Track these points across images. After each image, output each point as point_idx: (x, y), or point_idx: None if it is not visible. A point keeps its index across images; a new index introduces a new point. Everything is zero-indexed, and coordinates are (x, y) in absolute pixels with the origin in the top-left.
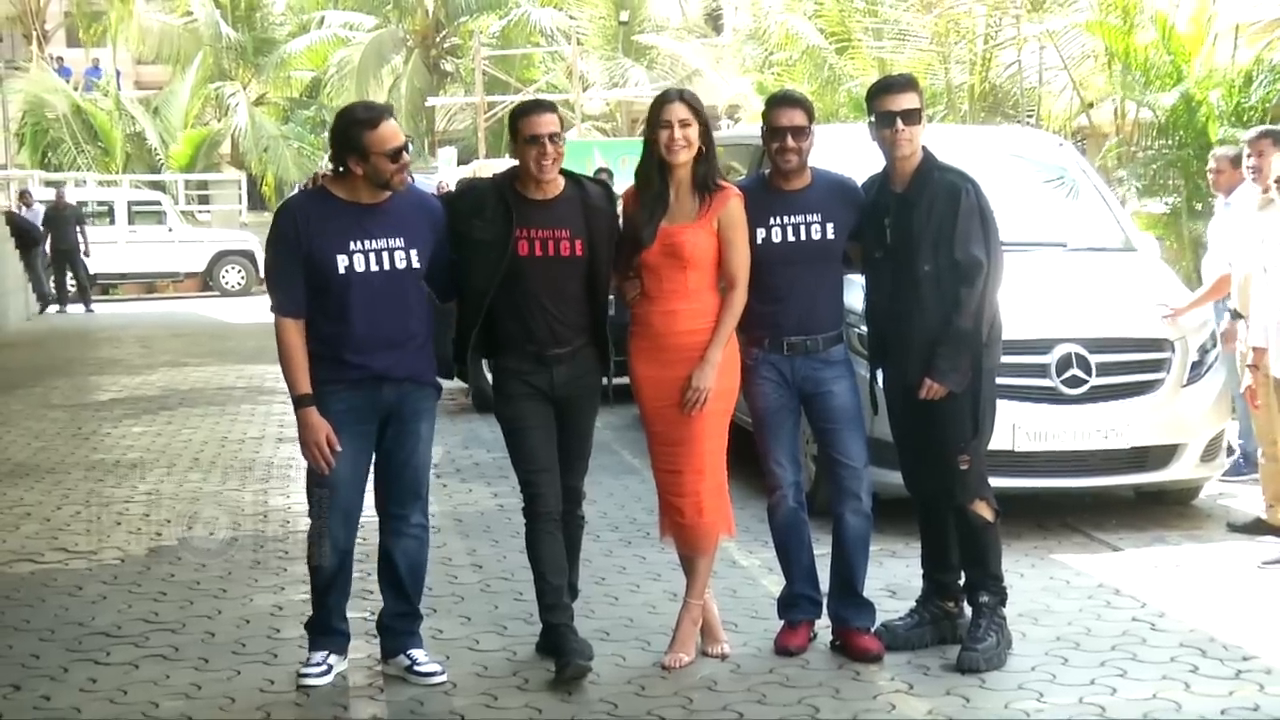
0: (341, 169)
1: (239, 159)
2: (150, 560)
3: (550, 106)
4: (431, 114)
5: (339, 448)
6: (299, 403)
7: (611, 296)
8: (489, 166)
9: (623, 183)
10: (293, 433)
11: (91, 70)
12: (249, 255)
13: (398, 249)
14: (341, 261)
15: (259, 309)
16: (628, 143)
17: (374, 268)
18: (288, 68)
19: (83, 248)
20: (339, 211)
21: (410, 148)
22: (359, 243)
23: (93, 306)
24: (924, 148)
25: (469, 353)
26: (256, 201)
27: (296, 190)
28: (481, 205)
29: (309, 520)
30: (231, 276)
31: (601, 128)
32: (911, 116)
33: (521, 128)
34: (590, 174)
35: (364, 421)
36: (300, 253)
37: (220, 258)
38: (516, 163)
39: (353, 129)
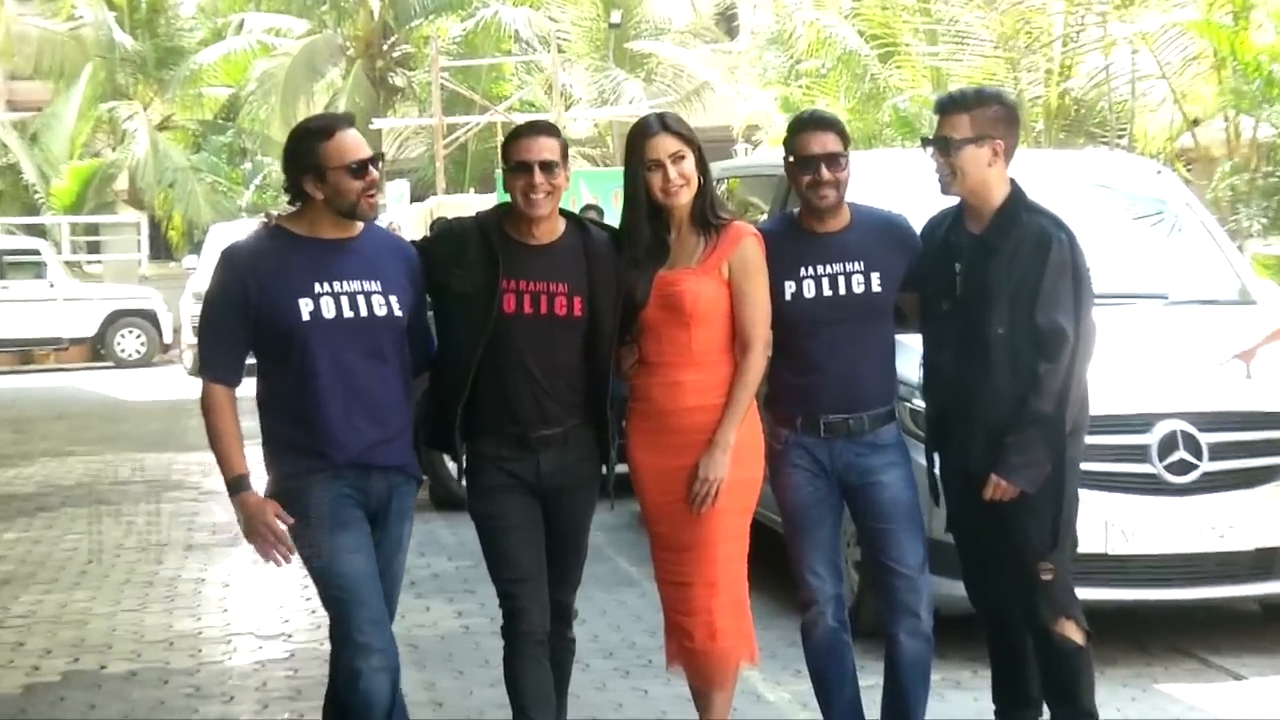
0: (298, 200)
1: (138, 197)
2: (26, 700)
3: (550, 129)
4: (378, 139)
5: (290, 520)
6: (234, 486)
7: None
8: (450, 205)
9: (614, 221)
10: (205, 538)
11: None
12: (150, 316)
13: (374, 292)
14: (304, 306)
15: (163, 382)
16: (619, 173)
17: (346, 313)
18: (199, 83)
19: None
20: (298, 249)
21: (380, 164)
22: (326, 284)
23: None
24: (1012, 181)
25: (454, 436)
26: (160, 249)
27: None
28: (461, 250)
29: (330, 650)
30: (128, 343)
31: (589, 154)
32: (972, 144)
33: (509, 152)
34: (575, 211)
35: (359, 507)
36: (248, 308)
37: (114, 320)
38: (495, 200)
39: (305, 143)
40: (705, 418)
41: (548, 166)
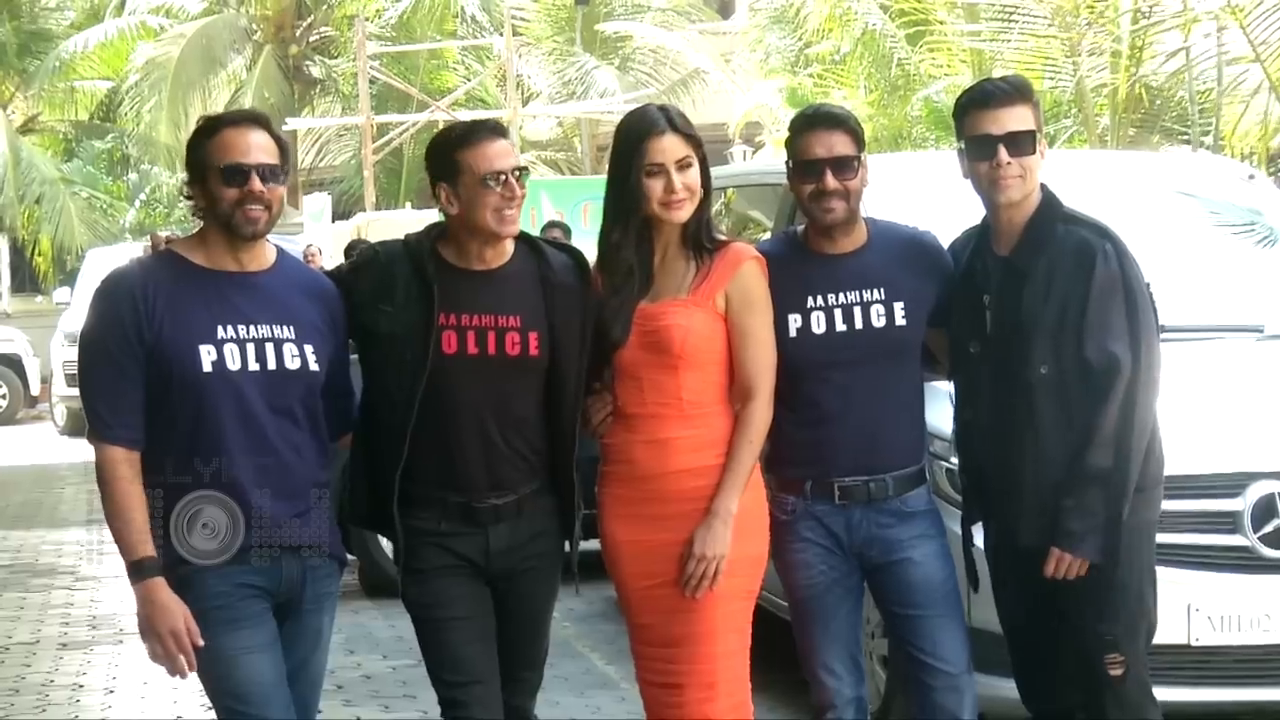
0: (199, 214)
1: None
2: None
3: (503, 130)
4: (292, 142)
5: (201, 641)
6: (138, 571)
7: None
8: (383, 224)
9: (583, 242)
10: (83, 635)
11: None
12: (13, 362)
13: (286, 340)
14: (205, 355)
15: (29, 444)
16: (589, 182)
17: (253, 365)
18: (70, 75)
19: None
20: (196, 282)
21: (277, 174)
22: (230, 328)
23: None
24: (1043, 187)
25: (390, 509)
26: (24, 280)
27: (141, 254)
28: (389, 282)
29: None
30: None
31: (551, 159)
32: (1022, 142)
33: (470, 161)
34: (535, 230)
35: (264, 597)
36: (141, 346)
37: None
38: (437, 217)
39: (195, 140)
40: (699, 482)
41: (519, 175)
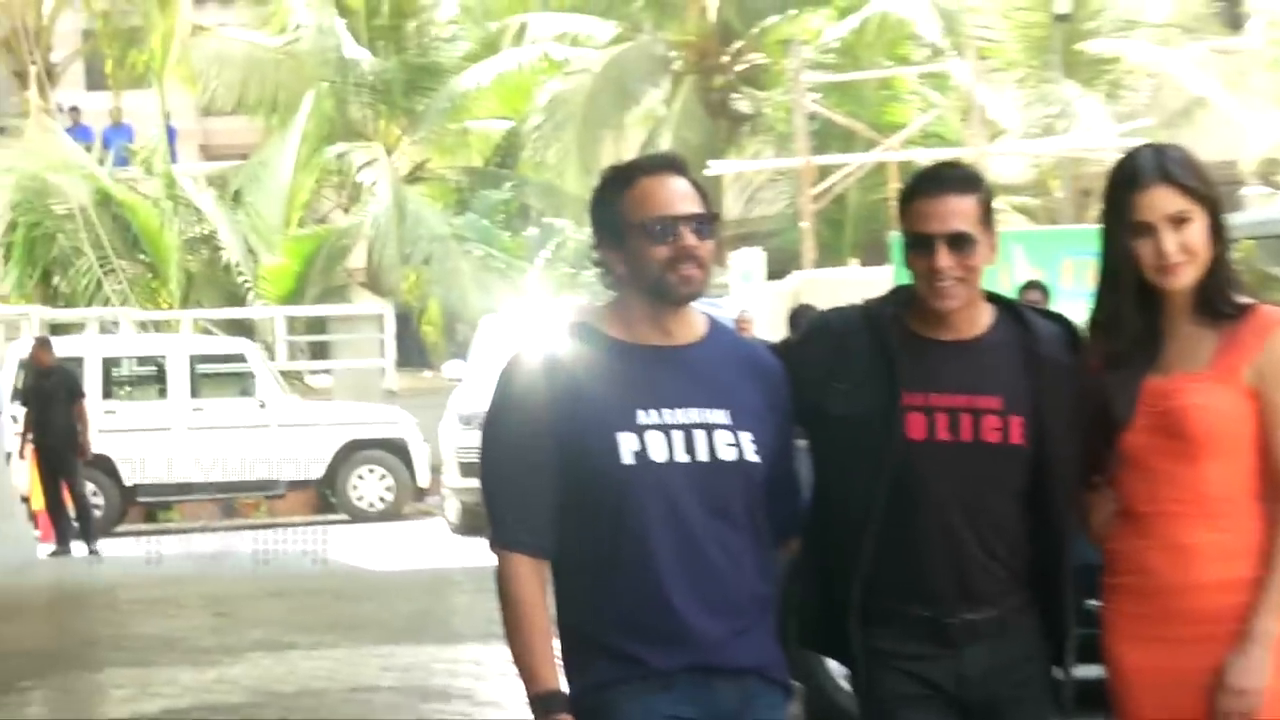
0: (607, 280)
1: (379, 278)
2: None
3: (966, 181)
4: (716, 189)
5: None
6: (543, 705)
7: None
8: (822, 284)
9: (1065, 306)
10: None
11: (115, 130)
12: (399, 449)
13: (719, 427)
14: (626, 445)
15: (418, 544)
16: (1071, 234)
17: (682, 456)
18: (463, 116)
19: (82, 440)
20: (615, 358)
21: (708, 226)
22: (654, 412)
23: (97, 545)
24: None
25: (847, 627)
26: (411, 353)
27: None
28: (844, 355)
29: None
30: (369, 487)
31: (1025, 206)
32: None
33: (905, 216)
34: (1009, 291)
35: None
36: (551, 437)
37: (349, 454)
38: (888, 276)
39: (603, 194)
40: (1230, 599)
41: (959, 242)
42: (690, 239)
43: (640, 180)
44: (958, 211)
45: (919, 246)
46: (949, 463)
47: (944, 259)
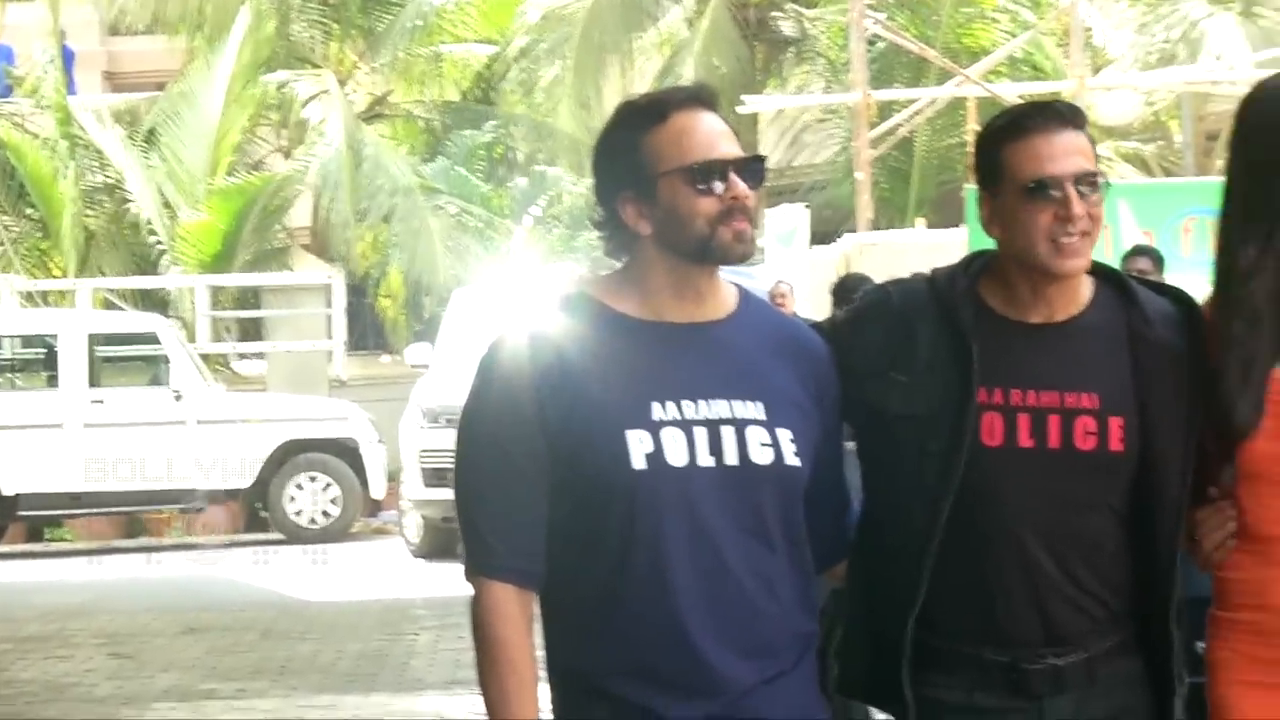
0: (617, 245)
1: (327, 240)
2: None
3: (1074, 116)
4: (751, 130)
5: None
6: None
7: None
8: (881, 250)
9: (1185, 278)
10: None
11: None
12: (347, 451)
13: (752, 423)
14: (637, 445)
15: (370, 570)
16: (1193, 187)
17: (705, 459)
18: (435, 37)
19: None
20: (623, 340)
21: (759, 173)
22: (671, 405)
23: None
24: None
25: (900, 673)
26: (365, 333)
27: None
28: (906, 338)
29: None
30: (308, 499)
31: (1136, 154)
32: None
33: (1010, 159)
34: (1112, 259)
35: None
36: (543, 438)
37: (286, 457)
38: (959, 241)
39: (620, 135)
40: None
41: (1087, 181)
42: (741, 187)
43: (673, 115)
44: (1082, 148)
45: (1036, 195)
46: (1031, 474)
47: (1078, 205)
